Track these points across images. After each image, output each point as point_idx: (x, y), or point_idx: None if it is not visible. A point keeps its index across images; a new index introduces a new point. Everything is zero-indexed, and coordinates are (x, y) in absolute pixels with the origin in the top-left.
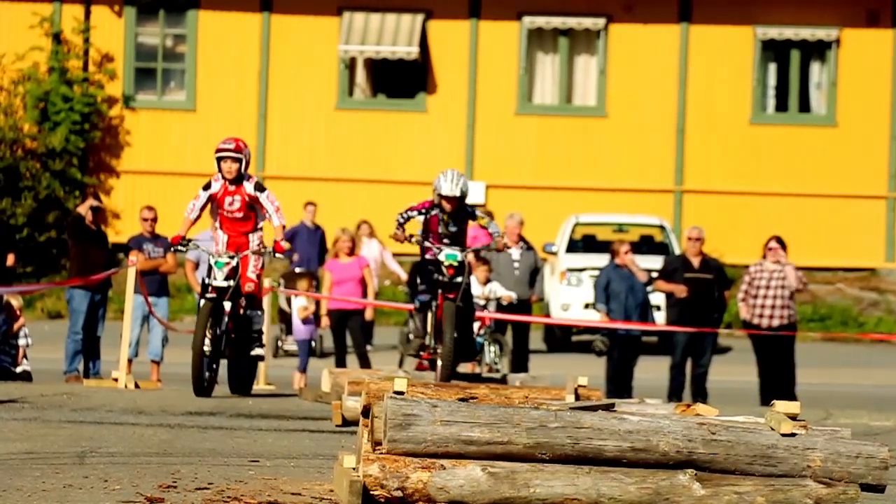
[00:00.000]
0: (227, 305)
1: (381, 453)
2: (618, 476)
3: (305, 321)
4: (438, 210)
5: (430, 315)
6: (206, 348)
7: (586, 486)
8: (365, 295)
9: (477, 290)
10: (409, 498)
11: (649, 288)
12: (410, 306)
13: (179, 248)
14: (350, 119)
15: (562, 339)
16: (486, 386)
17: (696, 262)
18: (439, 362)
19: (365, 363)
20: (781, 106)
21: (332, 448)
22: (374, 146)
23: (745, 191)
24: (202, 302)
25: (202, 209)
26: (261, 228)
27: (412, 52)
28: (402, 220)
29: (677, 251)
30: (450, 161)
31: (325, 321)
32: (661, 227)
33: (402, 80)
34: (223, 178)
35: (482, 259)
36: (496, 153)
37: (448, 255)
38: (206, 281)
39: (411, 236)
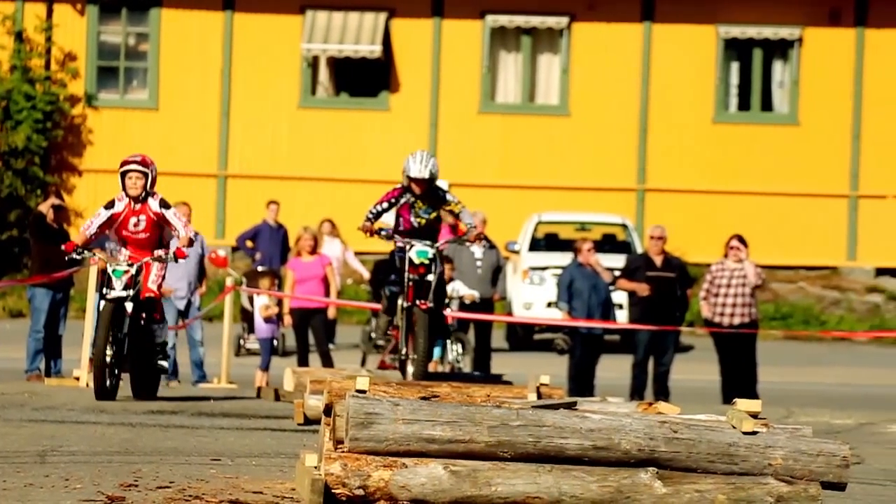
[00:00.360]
0: (129, 306)
1: (343, 452)
2: (579, 474)
3: (268, 320)
4: (409, 195)
5: (399, 308)
6: (108, 353)
7: (548, 485)
8: (327, 294)
9: None
10: (370, 496)
11: (612, 287)
12: (373, 305)
13: (74, 255)
14: (313, 118)
15: (524, 337)
16: (448, 384)
17: (658, 260)
18: (410, 368)
19: (327, 362)
20: (744, 105)
21: (294, 447)
22: (337, 145)
23: (707, 189)
24: (101, 304)
25: (101, 227)
26: (167, 245)
27: (375, 50)
28: (371, 216)
29: (640, 250)
30: None
31: (287, 320)
32: (624, 226)
33: (365, 78)
34: (127, 195)
35: (445, 257)
36: (459, 152)
37: (419, 251)
38: (104, 291)
39: (380, 230)
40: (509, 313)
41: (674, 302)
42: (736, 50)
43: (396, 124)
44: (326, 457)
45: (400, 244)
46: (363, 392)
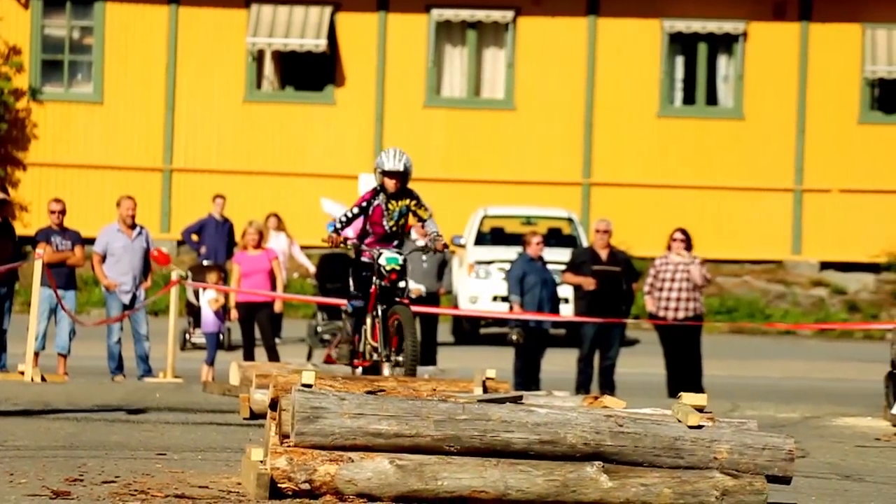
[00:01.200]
0: None
1: (289, 446)
2: (525, 468)
3: (214, 314)
4: (382, 195)
5: (369, 321)
6: None
7: (494, 479)
8: (273, 288)
9: None
10: (316, 491)
11: (558, 280)
12: (319, 299)
13: None
14: (258, 112)
15: (470, 331)
16: (394, 378)
17: (603, 254)
18: (386, 371)
19: (273, 356)
20: (689, 99)
21: (240, 441)
22: (283, 139)
23: (652, 183)
24: None
25: None
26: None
27: (320, 44)
28: (341, 225)
29: (585, 244)
30: (358, 154)
31: (233, 314)
32: (569, 220)
33: (311, 72)
34: None
35: None
36: (404, 146)
37: (389, 258)
38: None
39: (346, 240)
40: (455, 307)
41: (619, 296)
42: (681, 44)
43: (342, 118)
44: (272, 451)
45: (366, 259)
46: (309, 386)
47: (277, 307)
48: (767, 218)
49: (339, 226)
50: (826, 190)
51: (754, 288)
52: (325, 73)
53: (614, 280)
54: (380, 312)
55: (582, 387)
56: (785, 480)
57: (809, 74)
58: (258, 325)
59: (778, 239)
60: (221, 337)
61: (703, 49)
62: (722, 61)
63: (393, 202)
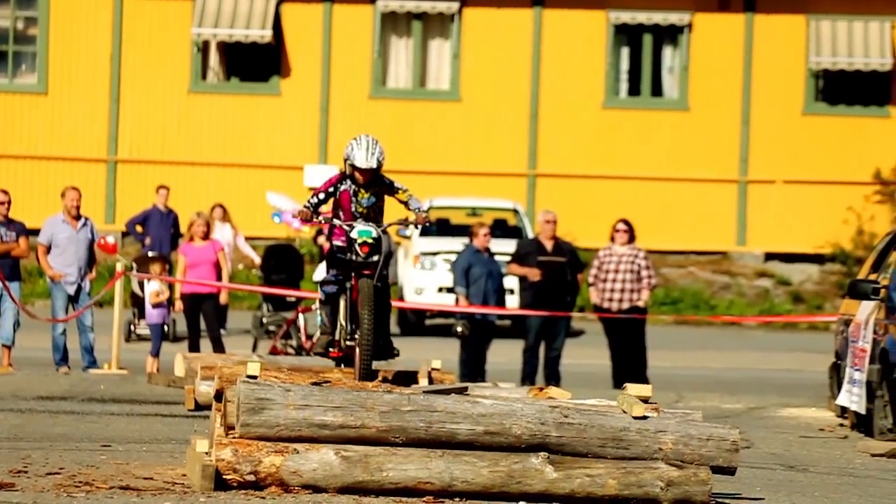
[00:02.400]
0: None
1: (234, 438)
2: (471, 459)
3: (158, 305)
4: (350, 183)
5: (342, 304)
6: None
7: (439, 470)
8: (219, 279)
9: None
10: (261, 482)
11: (504, 271)
12: (264, 290)
13: None
14: (203, 102)
15: (415, 322)
16: (340, 370)
17: (549, 245)
18: (357, 351)
19: (218, 347)
20: (634, 90)
21: (185, 432)
22: (228, 130)
23: (597, 174)
24: None
25: None
26: None
27: (266, 35)
28: (310, 207)
29: (531, 235)
30: (303, 145)
31: (178, 305)
32: (515, 211)
33: (256, 63)
34: None
35: None
36: (350, 137)
37: (361, 231)
38: None
39: (317, 214)
40: (401, 298)
41: (565, 287)
42: (626, 35)
43: (287, 109)
44: (217, 442)
45: (338, 242)
46: (254, 378)
47: (223, 298)
48: (712, 209)
49: (309, 206)
50: (770, 181)
51: (699, 279)
52: (271, 64)
53: (560, 271)
54: (347, 289)
55: (528, 378)
56: (729, 471)
57: (754, 66)
58: (203, 316)
59: (723, 230)
60: (166, 328)
61: (648, 40)
62: (667, 52)
63: (362, 191)
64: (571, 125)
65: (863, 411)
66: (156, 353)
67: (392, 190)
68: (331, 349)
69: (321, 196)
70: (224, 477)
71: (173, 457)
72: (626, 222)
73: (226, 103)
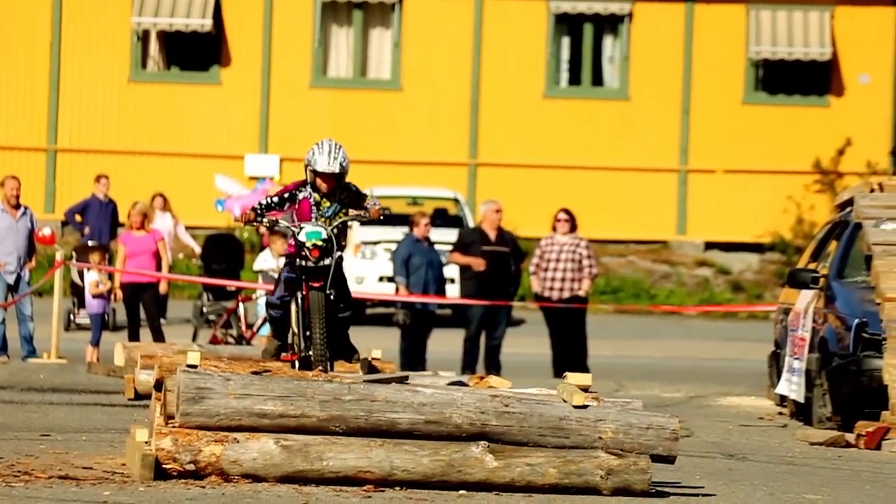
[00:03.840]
0: None
1: (174, 427)
2: (411, 448)
3: (98, 295)
4: (311, 191)
5: (293, 310)
6: None
7: (380, 459)
8: (159, 268)
9: (271, 263)
10: (201, 471)
11: (444, 260)
12: (204, 280)
13: None
14: (143, 91)
15: (356, 311)
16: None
17: (492, 235)
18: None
19: (158, 337)
20: (574, 79)
21: (125, 422)
22: (168, 119)
23: (538, 164)
24: None
25: None
26: None
27: (206, 24)
28: (260, 208)
29: (472, 224)
30: (244, 134)
31: (118, 294)
32: (456, 200)
33: (196, 52)
34: None
35: (280, 232)
36: (290, 126)
37: (309, 232)
38: None
39: (262, 216)
40: None
41: (508, 277)
42: (567, 25)
43: (227, 98)
44: (157, 432)
45: (292, 245)
46: (194, 367)
47: (163, 288)
48: (652, 198)
49: (258, 209)
50: (711, 170)
51: (639, 268)
52: (211, 54)
53: (503, 260)
54: (298, 298)
55: (468, 367)
56: (669, 460)
57: (694, 55)
58: (143, 305)
59: (663, 219)
60: (106, 318)
61: (588, 30)
62: (608, 42)
63: (325, 201)
64: (512, 115)
65: (802, 400)
66: (96, 343)
67: (359, 198)
68: (283, 353)
69: (274, 200)
70: (164, 466)
71: (113, 446)
72: (566, 212)
73: (166, 92)
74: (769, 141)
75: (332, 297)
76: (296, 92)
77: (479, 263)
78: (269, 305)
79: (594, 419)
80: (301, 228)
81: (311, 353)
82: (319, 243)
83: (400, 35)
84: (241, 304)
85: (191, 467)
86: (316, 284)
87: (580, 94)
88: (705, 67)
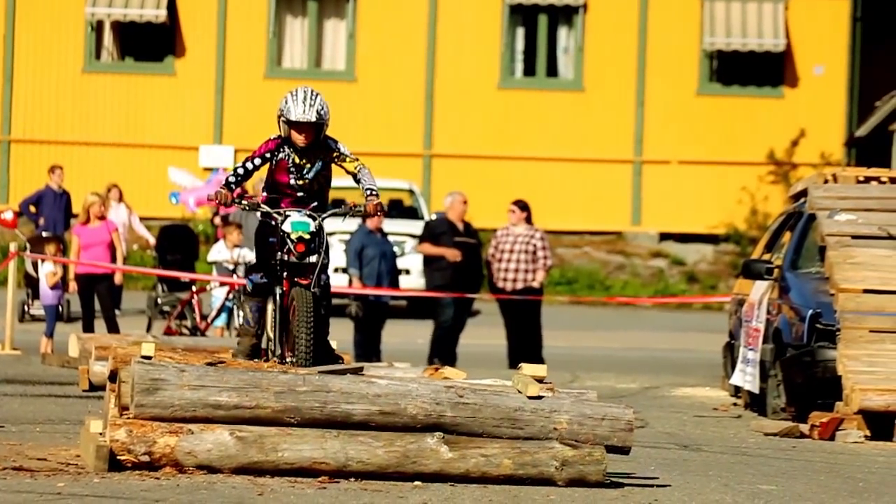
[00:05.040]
0: None
1: (129, 418)
2: (366, 440)
3: (53, 286)
4: (287, 149)
5: (269, 310)
6: None
7: (335, 450)
8: (113, 259)
9: (225, 254)
10: (156, 462)
11: (408, 250)
12: (158, 272)
13: None
14: (98, 82)
15: None
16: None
17: (460, 226)
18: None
19: (113, 328)
20: (529, 70)
21: (79, 413)
22: (122, 110)
23: (493, 155)
24: None
25: None
26: None
27: (160, 15)
28: (235, 178)
29: (426, 215)
30: (198, 125)
31: (72, 286)
32: (410, 191)
33: (151, 43)
34: None
35: (235, 223)
36: (245, 117)
37: (295, 223)
38: None
39: (241, 197)
40: None
41: (479, 267)
42: (521, 16)
43: (182, 89)
44: (112, 423)
45: (270, 214)
46: (149, 358)
47: (117, 279)
48: (607, 189)
49: (233, 179)
50: (665, 161)
51: (594, 259)
52: (166, 44)
53: (473, 251)
54: (277, 295)
55: (439, 357)
56: (624, 450)
57: (649, 46)
58: (98, 296)
59: (617, 210)
60: (60, 309)
61: (543, 21)
62: (562, 33)
63: (303, 158)
64: (467, 106)
65: (756, 391)
66: (50, 334)
67: (340, 157)
68: (256, 358)
69: (248, 166)
70: (118, 457)
71: (67, 437)
72: (518, 203)
73: (120, 83)
74: (723, 132)
75: (317, 295)
76: (250, 83)
77: (454, 254)
78: (250, 270)
79: (549, 410)
80: (286, 217)
81: (290, 359)
82: (306, 236)
83: (354, 26)
84: (195, 296)
85: (145, 459)
86: (303, 281)
87: (535, 85)
88: (660, 58)
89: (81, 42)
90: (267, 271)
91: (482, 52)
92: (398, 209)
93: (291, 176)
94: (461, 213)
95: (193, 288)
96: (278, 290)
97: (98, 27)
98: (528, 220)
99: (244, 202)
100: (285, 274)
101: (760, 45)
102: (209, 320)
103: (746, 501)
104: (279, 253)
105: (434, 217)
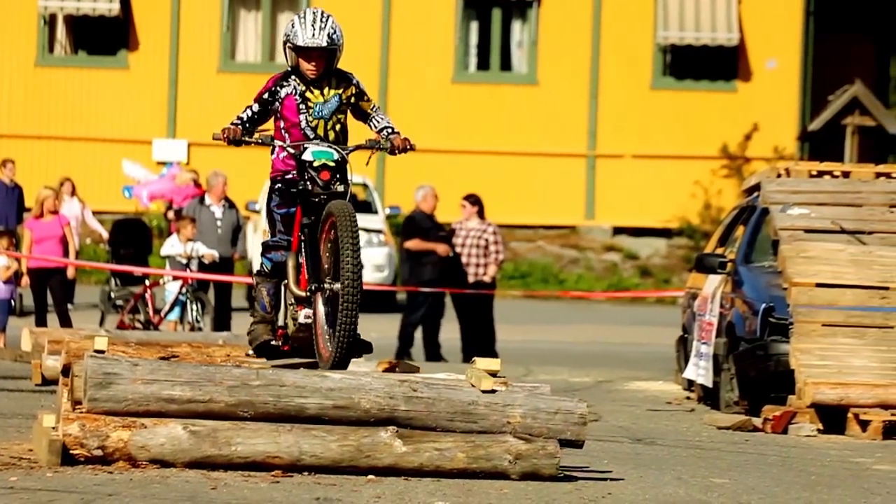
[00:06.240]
0: None
1: (82, 412)
2: (320, 434)
3: (6, 280)
4: (296, 83)
5: (291, 265)
6: None
7: (288, 444)
8: (66, 254)
9: (179, 248)
10: (109, 457)
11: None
12: (112, 266)
13: None
14: (50, 76)
15: None
16: (188, 344)
17: (436, 218)
18: (340, 308)
19: (66, 322)
20: (483, 65)
21: (32, 407)
22: (75, 103)
23: (447, 149)
24: None
25: None
26: None
27: (113, 8)
28: (240, 122)
29: (380, 209)
30: (152, 119)
31: (25, 280)
32: (364, 186)
33: (104, 36)
34: None
35: (189, 217)
36: (199, 110)
37: (316, 152)
38: None
39: (249, 131)
40: (250, 273)
41: (459, 261)
42: (475, 9)
43: (135, 83)
44: (64, 417)
45: (285, 170)
46: (102, 352)
47: (70, 273)
48: (561, 183)
49: (239, 121)
50: (619, 155)
51: (548, 253)
52: (119, 38)
53: (452, 245)
54: (306, 228)
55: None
56: (577, 444)
57: (602, 40)
58: (50, 291)
59: (571, 204)
60: (13, 303)
61: (497, 15)
62: (516, 27)
63: (315, 92)
64: (421, 100)
65: (709, 384)
66: (2, 328)
67: (359, 93)
68: (272, 338)
69: (254, 109)
70: (71, 452)
71: (20, 432)
72: (468, 198)
73: (73, 77)
74: (677, 126)
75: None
76: (204, 76)
77: (445, 249)
78: (267, 248)
79: (503, 404)
80: (305, 149)
81: (332, 286)
82: (330, 163)
83: None
84: (148, 290)
85: (98, 453)
86: (341, 191)
87: (489, 79)
88: (613, 53)
89: (34, 35)
90: (287, 236)
91: (436, 47)
92: (351, 203)
93: (301, 115)
94: (434, 206)
95: (147, 282)
96: (306, 220)
97: (51, 21)
98: (481, 215)
99: (257, 136)
100: (308, 209)
101: (714, 39)
102: (162, 314)
103: (699, 495)
104: (301, 185)
105: (390, 211)
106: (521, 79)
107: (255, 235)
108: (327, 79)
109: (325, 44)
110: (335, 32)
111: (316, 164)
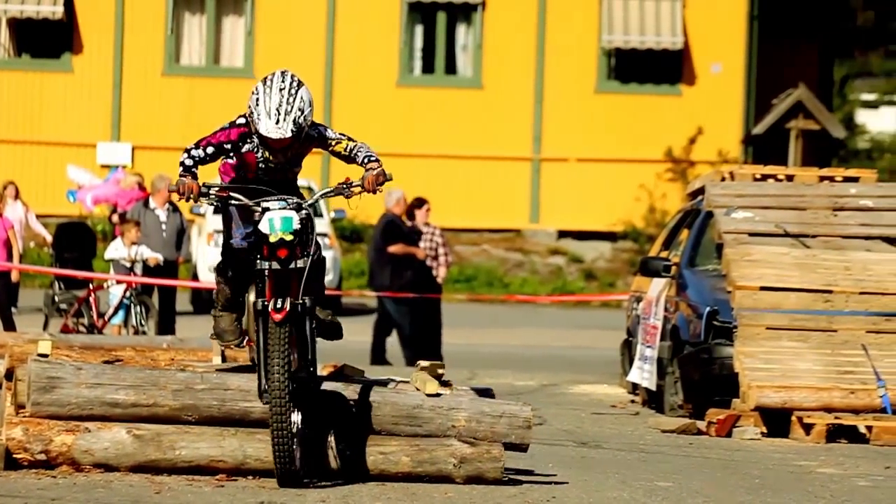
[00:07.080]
0: None
1: (25, 417)
2: (264, 437)
3: None
4: (258, 142)
5: (248, 311)
6: None
7: (232, 448)
8: (10, 257)
9: (123, 252)
10: (53, 461)
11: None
12: (55, 270)
13: None
14: None
15: (209, 300)
16: (133, 348)
17: (408, 224)
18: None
19: (9, 325)
20: (428, 68)
21: None
22: (19, 106)
23: (392, 152)
24: None
25: None
26: None
27: (57, 11)
28: (191, 161)
29: (325, 213)
30: (96, 122)
31: None
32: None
33: (47, 39)
34: None
35: (133, 220)
36: (143, 114)
37: (273, 220)
38: None
39: (207, 189)
40: (194, 276)
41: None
42: (420, 13)
43: (79, 86)
44: (8, 422)
45: (236, 211)
46: (45, 356)
47: (14, 276)
48: (506, 187)
49: (189, 164)
50: (564, 159)
51: (493, 256)
52: (63, 41)
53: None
54: (259, 307)
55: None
56: (522, 448)
57: (547, 44)
58: None
59: (516, 208)
60: None
61: (442, 18)
62: (461, 31)
63: (279, 155)
64: (366, 103)
65: (654, 388)
66: None
67: (324, 143)
68: (245, 340)
69: (209, 150)
70: (14, 456)
71: None
72: (418, 200)
73: (17, 80)
74: (622, 130)
75: (305, 306)
76: (148, 80)
77: (422, 253)
78: (220, 271)
79: (447, 408)
80: (264, 210)
81: (266, 384)
82: (289, 237)
83: (253, 23)
84: (92, 293)
85: (42, 457)
86: (276, 316)
87: (434, 82)
88: (558, 56)
89: None
90: (237, 279)
91: (381, 50)
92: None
93: (260, 171)
94: (404, 210)
95: (91, 286)
96: (259, 304)
97: None
98: (410, 218)
99: (211, 194)
100: (260, 285)
101: (658, 42)
102: (106, 318)
103: (644, 498)
104: (257, 260)
105: (335, 214)
106: (465, 82)
107: (200, 239)
108: (291, 150)
109: (289, 135)
110: (301, 114)
111: (272, 238)
